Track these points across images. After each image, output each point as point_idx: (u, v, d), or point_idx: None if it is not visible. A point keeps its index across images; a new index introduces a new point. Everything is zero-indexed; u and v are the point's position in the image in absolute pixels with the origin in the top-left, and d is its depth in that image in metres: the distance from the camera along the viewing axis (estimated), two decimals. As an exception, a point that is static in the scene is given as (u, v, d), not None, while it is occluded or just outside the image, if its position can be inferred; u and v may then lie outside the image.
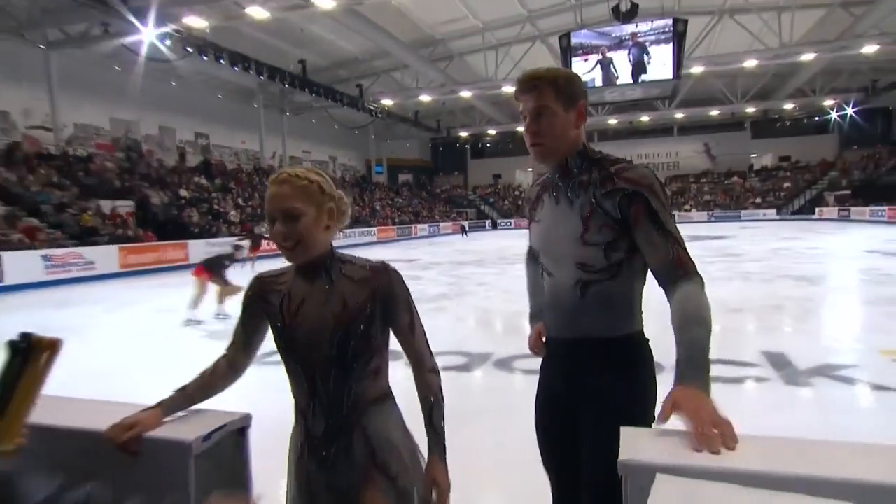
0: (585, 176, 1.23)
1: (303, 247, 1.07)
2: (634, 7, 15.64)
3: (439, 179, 40.36)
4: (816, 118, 30.42)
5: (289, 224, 1.05)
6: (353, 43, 20.07)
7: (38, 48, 16.21)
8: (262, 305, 1.17)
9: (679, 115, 29.27)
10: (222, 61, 17.23)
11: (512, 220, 34.94)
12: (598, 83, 15.90)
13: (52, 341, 0.85)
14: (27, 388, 0.80)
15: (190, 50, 16.41)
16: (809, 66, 21.13)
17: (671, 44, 15.45)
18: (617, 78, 15.77)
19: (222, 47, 16.96)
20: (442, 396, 1.18)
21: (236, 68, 17.79)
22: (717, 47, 19.67)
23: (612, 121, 30.58)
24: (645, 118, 30.00)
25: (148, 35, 14.55)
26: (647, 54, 15.24)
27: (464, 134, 33.92)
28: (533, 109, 1.22)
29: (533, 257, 1.53)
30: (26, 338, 0.84)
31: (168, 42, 15.55)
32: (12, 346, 0.83)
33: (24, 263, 11.48)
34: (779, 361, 4.21)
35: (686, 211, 32.06)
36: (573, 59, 16.15)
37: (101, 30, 15.49)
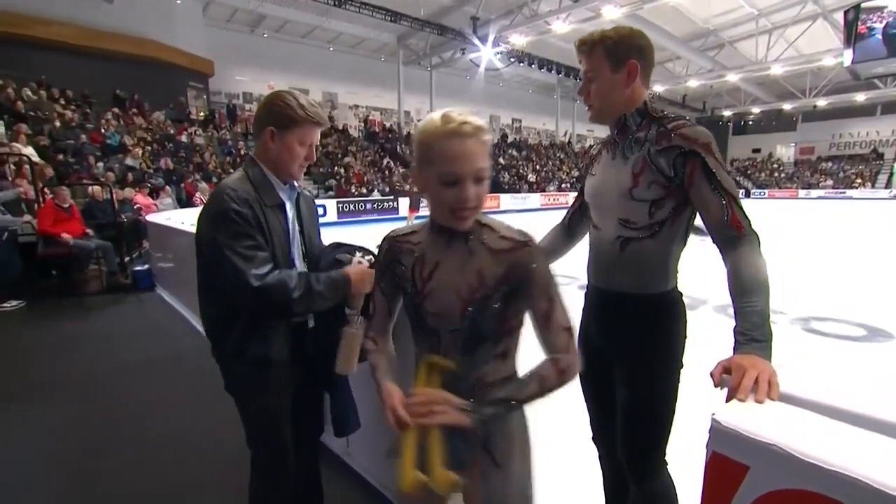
0: (642, 133, 1.18)
1: (476, 211, 0.90)
2: None
3: None
4: None
5: (478, 186, 0.88)
6: (633, 41, 23.40)
7: (426, 70, 24.08)
8: (394, 266, 1.02)
9: None
10: (533, 66, 22.49)
11: (766, 191, 32.90)
12: (882, 55, 14.55)
13: None
14: None
15: (512, 60, 21.62)
16: None
17: None
18: None
19: (534, 55, 22.00)
20: (548, 389, 0.94)
21: (543, 70, 22.81)
22: None
23: None
24: None
25: (487, 53, 19.75)
26: None
27: (727, 113, 32.88)
28: (584, 73, 1.22)
29: (564, 225, 1.50)
30: None
31: (499, 56, 20.49)
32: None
33: (406, 203, 19.32)
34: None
35: None
36: (868, 27, 15.68)
37: (460, 53, 21.42)
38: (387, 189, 18.66)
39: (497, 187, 22.17)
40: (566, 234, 1.53)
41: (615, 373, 1.30)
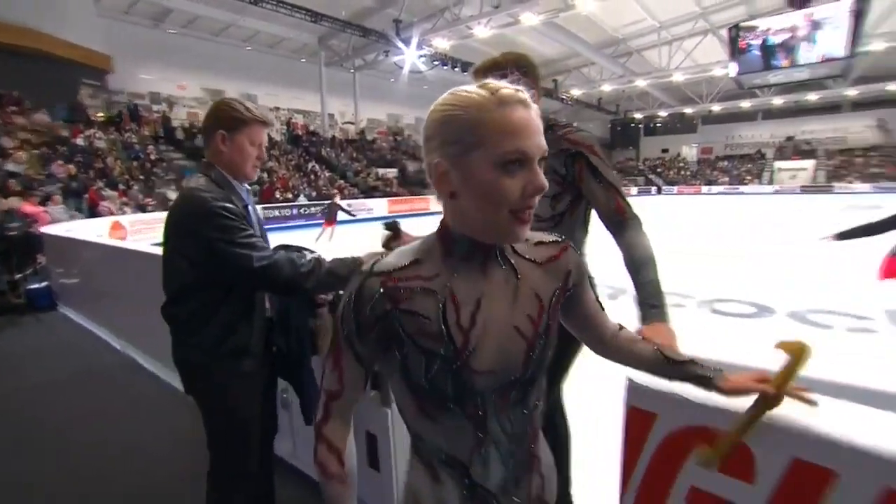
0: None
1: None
2: None
3: (616, 153, 43.48)
4: None
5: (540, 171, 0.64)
6: (551, 48, 23.91)
7: (349, 72, 23.79)
8: (394, 321, 0.69)
9: (852, 91, 27.01)
10: (457, 69, 23.50)
11: (675, 188, 36.20)
12: (759, 67, 16.70)
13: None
14: None
15: (436, 63, 22.36)
16: None
17: (849, 23, 15.09)
18: (777, 62, 16.38)
19: (457, 59, 22.91)
20: None
21: (466, 73, 23.96)
22: None
23: (778, 101, 29.63)
24: (812, 96, 28.42)
25: (410, 55, 19.80)
26: (805, 40, 15.93)
27: (638, 115, 36.08)
28: None
29: None
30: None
31: (423, 59, 20.54)
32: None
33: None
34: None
35: (848, 182, 30.38)
36: (745, 44, 17.87)
37: (384, 55, 21.34)
38: (314, 194, 18.20)
39: (426, 189, 22.41)
40: None
41: None
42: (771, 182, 34.41)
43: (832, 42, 15.95)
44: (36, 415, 2.94)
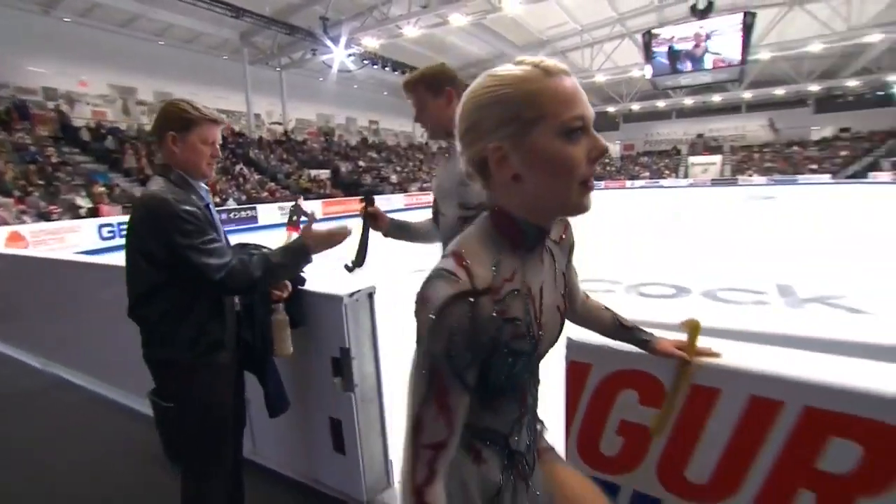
0: None
1: None
2: (710, 5, 18.70)
3: None
4: (879, 92, 30.18)
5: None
6: (480, 48, 24.46)
7: (275, 71, 22.93)
8: (501, 334, 0.66)
9: (747, 94, 30.70)
10: (387, 68, 22.92)
11: (603, 182, 38.34)
12: (668, 71, 18.75)
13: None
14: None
15: (366, 62, 21.71)
16: (876, 45, 21.78)
17: (740, 34, 17.33)
18: (683, 66, 18.40)
19: (387, 58, 22.73)
20: None
21: (396, 72, 23.67)
22: (786, 34, 20.96)
23: (688, 101, 32.90)
24: (716, 98, 32.05)
25: (339, 54, 19.44)
26: (705, 47, 18.04)
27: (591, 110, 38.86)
28: (414, 105, 1.57)
29: (432, 219, 1.76)
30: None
31: (352, 58, 20.25)
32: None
33: (268, 211, 16.89)
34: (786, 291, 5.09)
35: (748, 176, 34.40)
36: (657, 50, 19.76)
37: (311, 54, 20.69)
38: (243, 198, 17.49)
39: (358, 190, 22.28)
40: (434, 226, 1.80)
41: None
42: (686, 176, 37.53)
43: (728, 50, 18.19)
44: None
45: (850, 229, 10.42)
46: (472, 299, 0.63)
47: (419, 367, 0.66)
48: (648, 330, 1.09)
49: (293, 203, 11.55)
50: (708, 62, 18.71)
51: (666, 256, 7.86)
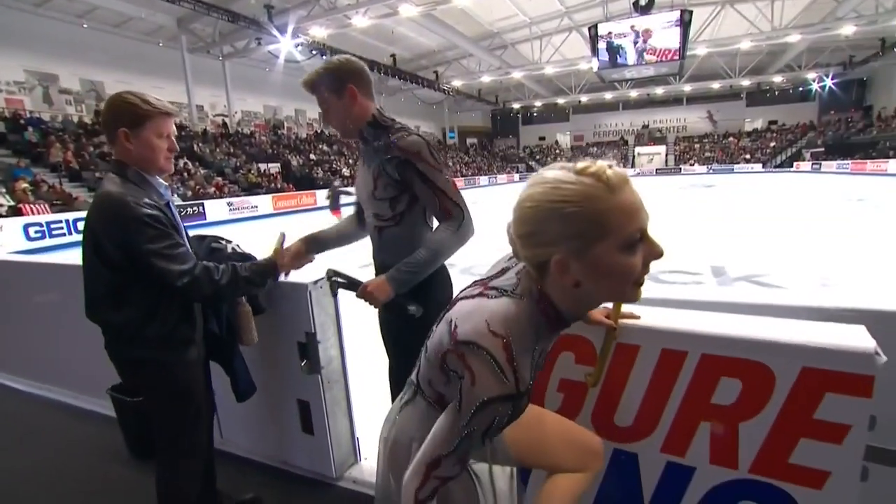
0: (378, 142, 1.46)
1: None
2: (651, 1, 19.71)
3: (497, 141, 46.93)
4: (801, 88, 33.79)
5: None
6: (431, 39, 24.58)
7: (218, 60, 22.08)
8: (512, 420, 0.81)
9: (687, 87, 32.97)
10: None
11: (552, 172, 40.88)
12: (609, 65, 19.83)
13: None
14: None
15: (314, 52, 21.05)
16: (796, 45, 24.14)
17: (678, 29, 18.45)
18: (624, 60, 19.55)
19: (336, 49, 22.26)
20: None
21: None
22: (719, 31, 22.57)
23: (633, 93, 34.58)
24: (659, 91, 34.03)
25: (286, 44, 19.00)
26: (645, 41, 19.10)
27: (516, 106, 39.18)
28: (320, 105, 1.50)
29: (356, 214, 1.78)
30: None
31: (299, 48, 19.85)
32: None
33: (216, 208, 16.49)
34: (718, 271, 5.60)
35: (690, 165, 36.95)
36: (599, 45, 20.63)
37: (256, 43, 19.93)
38: (188, 193, 16.81)
39: (311, 183, 21.91)
40: (358, 223, 1.81)
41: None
42: (633, 165, 39.32)
43: (667, 45, 19.28)
44: None
45: (776, 214, 11.41)
46: (514, 402, 0.75)
47: (454, 425, 0.77)
48: None
49: (331, 187, 12.24)
50: (648, 56, 19.71)
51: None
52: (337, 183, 11.83)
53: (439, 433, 0.80)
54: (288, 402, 2.13)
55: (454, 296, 0.94)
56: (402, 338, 1.56)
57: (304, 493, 2.06)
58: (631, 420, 1.34)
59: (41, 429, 2.79)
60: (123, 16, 18.91)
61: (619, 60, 20.04)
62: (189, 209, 15.70)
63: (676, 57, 19.31)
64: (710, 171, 34.75)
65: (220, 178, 19.27)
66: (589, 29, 20.11)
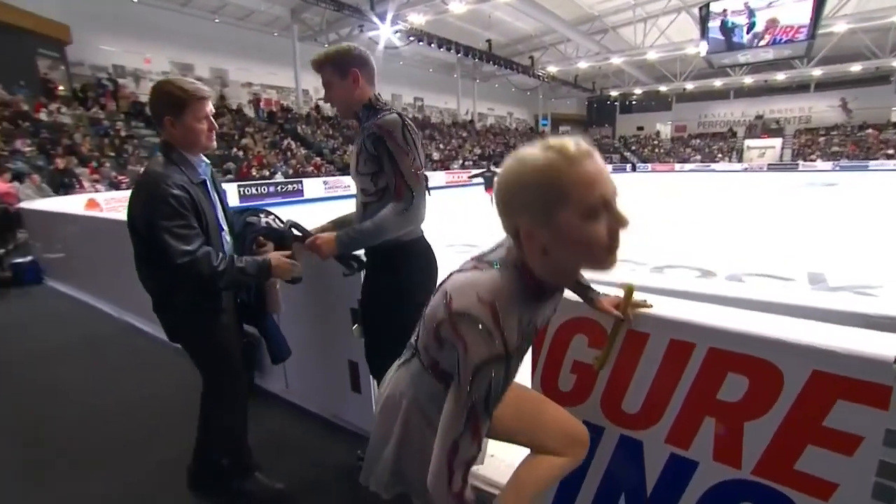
0: (367, 122, 1.56)
1: None
2: None
3: (592, 130, 44.13)
4: None
5: None
6: (527, 23, 24.06)
7: (323, 46, 24.07)
8: (513, 372, 0.92)
9: (816, 71, 28.09)
10: (432, 45, 22.59)
11: (649, 165, 37.28)
12: (723, 48, 17.76)
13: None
14: None
15: (411, 39, 21.90)
16: None
17: (810, 4, 16.15)
18: (740, 40, 17.35)
19: (433, 35, 22.30)
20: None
21: (442, 49, 23.44)
22: (866, 3, 19.06)
23: (748, 80, 30.78)
24: (780, 76, 29.75)
25: (385, 31, 19.84)
26: (766, 19, 16.86)
27: (614, 93, 36.68)
28: (323, 84, 1.60)
29: None
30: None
31: (398, 34, 20.48)
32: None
33: (313, 185, 17.89)
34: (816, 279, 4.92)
35: (811, 161, 31.96)
36: (710, 24, 18.73)
37: (359, 30, 21.04)
38: (290, 171, 18.22)
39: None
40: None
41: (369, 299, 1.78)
42: (741, 160, 35.59)
43: (794, 21, 16.88)
44: (48, 379, 3.21)
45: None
46: (506, 363, 0.80)
47: (459, 402, 0.82)
48: (595, 288, 1.31)
49: (485, 170, 13.92)
50: (769, 38, 17.40)
51: (700, 241, 7.76)
52: (493, 167, 13.22)
53: (448, 417, 0.84)
54: (340, 362, 2.33)
55: (451, 272, 0.98)
56: (375, 316, 1.74)
57: (350, 445, 2.25)
58: (638, 407, 1.34)
59: (158, 363, 3.29)
60: (247, 10, 20.76)
61: (735, 41, 17.78)
62: (289, 186, 17.04)
63: (804, 36, 16.82)
64: (836, 168, 30.26)
65: (318, 158, 20.56)
66: (700, 8, 18.31)
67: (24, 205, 6.75)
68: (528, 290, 0.84)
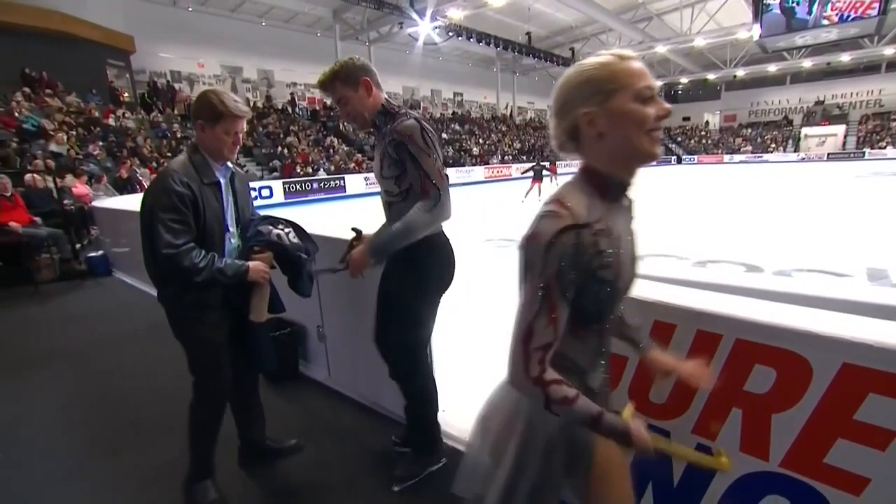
0: (385, 128, 1.64)
1: None
2: None
3: None
4: None
5: None
6: (568, 14, 23.55)
7: (364, 45, 23.76)
8: (593, 260, 0.81)
9: (889, 50, 25.48)
10: (471, 39, 22.34)
11: (695, 157, 35.63)
12: (783, 29, 16.20)
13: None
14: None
15: (451, 34, 21.80)
16: None
17: None
18: (804, 19, 15.81)
19: (472, 29, 22.05)
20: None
21: (481, 43, 23.14)
22: None
23: (807, 63, 28.58)
24: (845, 57, 27.15)
25: (425, 27, 19.82)
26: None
27: (658, 83, 35.71)
28: (337, 102, 1.68)
29: None
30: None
31: (437, 30, 20.42)
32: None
33: (355, 181, 18.26)
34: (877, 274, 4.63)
35: (881, 148, 29.12)
36: (767, 2, 17.30)
37: (398, 27, 20.93)
38: (332, 168, 18.70)
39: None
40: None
41: (391, 291, 1.87)
42: (797, 150, 33.45)
43: None
44: (119, 360, 3.52)
45: None
46: (575, 231, 0.79)
47: (533, 287, 0.81)
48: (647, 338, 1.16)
49: (535, 163, 15.10)
50: (833, 16, 15.79)
51: (747, 235, 7.41)
52: (542, 161, 14.62)
53: (523, 304, 0.83)
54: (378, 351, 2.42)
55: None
56: (390, 304, 1.85)
57: (389, 432, 2.34)
58: (665, 397, 1.35)
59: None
60: (291, 12, 21.39)
61: (797, 20, 16.12)
62: (332, 182, 17.49)
63: (876, 12, 14.99)
64: (910, 156, 27.77)
65: (359, 155, 20.98)
66: (753, -10, 17.09)
67: (95, 203, 7.30)
68: (593, 185, 0.87)
